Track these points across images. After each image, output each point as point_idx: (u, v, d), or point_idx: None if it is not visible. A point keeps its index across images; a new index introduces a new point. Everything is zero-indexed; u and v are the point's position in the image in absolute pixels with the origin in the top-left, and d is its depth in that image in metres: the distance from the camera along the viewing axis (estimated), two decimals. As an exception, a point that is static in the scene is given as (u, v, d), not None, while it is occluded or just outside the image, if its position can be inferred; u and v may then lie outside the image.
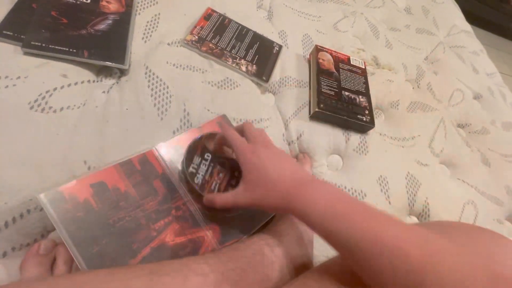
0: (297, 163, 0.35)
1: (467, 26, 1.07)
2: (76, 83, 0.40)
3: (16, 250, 0.32)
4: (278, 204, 0.30)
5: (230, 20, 0.59)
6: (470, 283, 0.20)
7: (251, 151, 0.32)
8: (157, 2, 0.55)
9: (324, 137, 0.55)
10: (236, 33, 0.58)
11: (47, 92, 0.37)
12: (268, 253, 0.33)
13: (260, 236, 0.36)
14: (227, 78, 0.53)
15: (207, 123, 0.43)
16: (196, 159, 0.38)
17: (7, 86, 0.36)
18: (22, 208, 0.32)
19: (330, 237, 0.27)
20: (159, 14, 0.53)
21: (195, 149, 0.38)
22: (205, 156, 0.39)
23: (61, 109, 0.37)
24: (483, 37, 1.12)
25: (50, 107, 0.37)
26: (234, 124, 0.47)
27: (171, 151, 0.38)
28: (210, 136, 0.40)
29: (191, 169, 0.36)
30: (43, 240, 0.33)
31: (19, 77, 0.37)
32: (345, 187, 0.51)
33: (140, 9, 0.52)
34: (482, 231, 0.38)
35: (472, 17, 1.16)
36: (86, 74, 0.42)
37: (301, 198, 0.28)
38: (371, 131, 0.58)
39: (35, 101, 0.36)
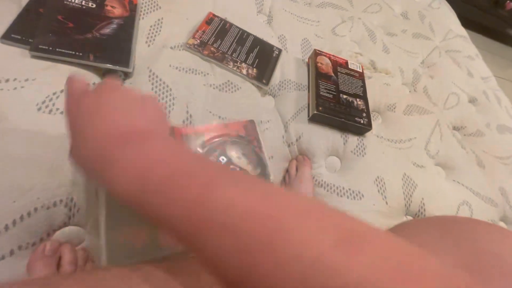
0: (156, 110, 0.23)
1: (463, 31, 1.09)
2: (81, 86, 0.41)
3: (22, 249, 0.33)
4: (91, 167, 0.19)
5: (231, 25, 0.61)
6: None
7: (85, 95, 0.22)
8: (160, 7, 0.56)
9: (323, 139, 0.56)
10: (237, 37, 0.60)
11: (54, 94, 0.38)
12: None
13: None
14: (228, 81, 0.54)
15: (234, 123, 0.46)
16: (211, 158, 0.40)
17: (15, 88, 0.37)
18: (30, 206, 0.33)
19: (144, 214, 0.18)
20: (162, 18, 0.55)
21: (214, 149, 0.41)
22: (220, 159, 0.41)
23: (68, 110, 0.38)
24: (478, 41, 1.14)
25: (57, 109, 0.38)
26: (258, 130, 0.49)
27: (193, 135, 0.42)
28: (234, 143, 0.42)
29: None
30: (48, 241, 0.34)
31: (27, 79, 0.38)
32: (343, 188, 0.52)
33: (144, 14, 0.53)
34: (479, 223, 0.39)
35: (467, 22, 1.18)
36: (91, 77, 0.43)
37: (118, 157, 0.18)
38: (368, 133, 0.60)
39: (43, 102, 0.37)
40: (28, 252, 0.33)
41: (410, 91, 0.76)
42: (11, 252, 0.32)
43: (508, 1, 1.95)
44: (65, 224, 0.35)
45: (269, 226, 0.15)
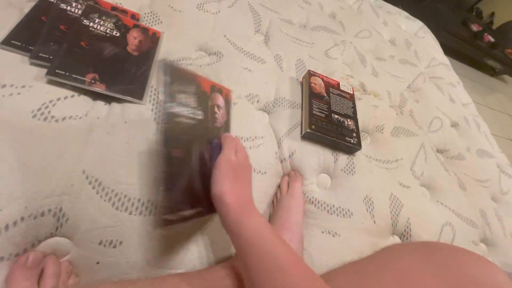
0: (249, 186, 0.39)
1: (445, 59, 1.16)
2: (79, 94, 0.41)
3: (5, 260, 0.31)
4: (223, 204, 0.34)
5: (230, 42, 0.63)
6: None
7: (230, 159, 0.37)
8: (161, 22, 0.57)
9: (314, 156, 0.57)
10: (235, 55, 0.61)
11: (50, 101, 0.38)
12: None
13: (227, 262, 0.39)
14: (225, 96, 0.55)
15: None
16: None
17: (11, 94, 0.36)
18: (17, 215, 0.32)
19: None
20: (162, 33, 0.56)
21: None
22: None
23: (63, 119, 0.38)
24: (460, 69, 1.22)
25: (53, 117, 0.37)
26: None
27: None
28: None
29: None
30: (32, 251, 0.33)
31: (24, 86, 0.38)
32: (333, 205, 0.53)
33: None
34: (460, 250, 0.42)
35: (451, 50, 1.27)
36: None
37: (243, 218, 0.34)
38: (358, 153, 0.62)
39: (38, 109, 0.37)
40: (10, 263, 0.32)
41: (397, 114, 0.80)
42: (-7, 264, 0.31)
43: (485, 34, 2.10)
44: (52, 235, 0.34)
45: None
